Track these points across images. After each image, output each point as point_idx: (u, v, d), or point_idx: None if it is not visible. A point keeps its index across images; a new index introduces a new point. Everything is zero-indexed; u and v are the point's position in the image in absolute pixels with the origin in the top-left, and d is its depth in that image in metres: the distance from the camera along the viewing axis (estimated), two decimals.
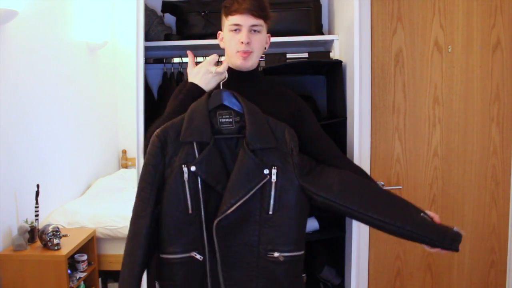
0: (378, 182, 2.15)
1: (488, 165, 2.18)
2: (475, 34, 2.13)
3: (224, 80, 1.33)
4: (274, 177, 1.26)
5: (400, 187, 2.18)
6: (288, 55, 2.07)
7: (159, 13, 2.11)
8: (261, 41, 1.39)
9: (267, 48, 1.46)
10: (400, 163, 2.18)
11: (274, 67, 1.97)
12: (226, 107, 1.30)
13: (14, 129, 2.61)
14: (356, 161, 1.81)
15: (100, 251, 2.94)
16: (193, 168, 1.23)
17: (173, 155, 1.26)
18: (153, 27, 2.03)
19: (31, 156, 2.80)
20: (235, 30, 1.35)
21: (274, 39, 1.96)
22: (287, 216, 1.28)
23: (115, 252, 2.95)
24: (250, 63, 1.38)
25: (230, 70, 1.42)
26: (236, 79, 1.42)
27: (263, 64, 2.08)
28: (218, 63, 1.38)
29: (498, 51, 2.13)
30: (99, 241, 2.93)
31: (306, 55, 2.07)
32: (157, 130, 1.27)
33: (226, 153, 1.29)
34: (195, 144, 1.25)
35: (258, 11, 1.33)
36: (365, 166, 2.14)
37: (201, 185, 1.25)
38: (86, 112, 3.78)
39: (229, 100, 1.31)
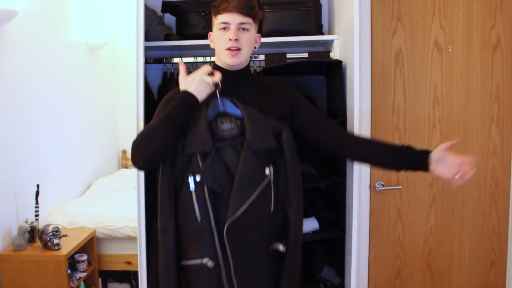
0: (378, 182, 2.17)
1: (488, 165, 2.18)
2: (475, 34, 2.13)
3: (219, 89, 1.33)
4: (272, 176, 1.31)
5: (400, 187, 2.18)
6: (288, 55, 2.07)
7: (159, 13, 2.11)
8: (250, 39, 1.39)
9: (257, 47, 1.46)
10: None
11: (274, 67, 1.98)
12: (226, 114, 1.33)
13: (14, 129, 2.61)
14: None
15: (100, 251, 2.94)
16: (198, 178, 1.28)
17: (181, 167, 1.32)
18: (153, 27, 2.03)
19: (31, 156, 2.81)
20: (224, 28, 1.37)
21: (274, 39, 1.98)
22: (282, 210, 1.36)
23: (115, 252, 2.95)
24: (239, 60, 1.39)
25: (220, 69, 1.44)
26: (226, 79, 1.42)
27: (263, 64, 2.08)
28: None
29: (498, 51, 2.13)
30: (99, 241, 2.93)
31: (306, 55, 2.07)
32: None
33: (232, 158, 1.31)
34: (198, 155, 1.29)
35: (246, 10, 1.35)
36: (365, 166, 2.14)
37: (208, 193, 1.28)
38: (86, 112, 3.78)
39: (228, 106, 1.34)
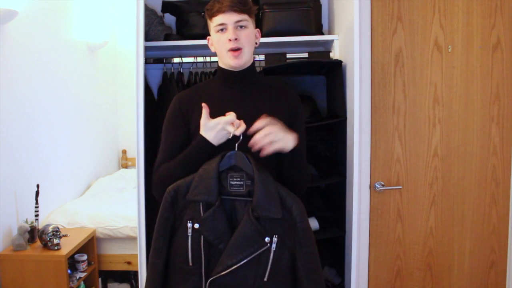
0: (378, 182, 2.17)
1: (488, 165, 2.18)
2: (475, 34, 2.13)
3: (239, 142, 1.29)
4: (274, 246, 1.26)
5: (400, 187, 2.18)
6: (288, 55, 2.07)
7: (159, 13, 2.11)
8: (249, 36, 1.37)
9: (258, 43, 1.44)
10: (400, 163, 2.18)
11: (274, 67, 1.98)
12: (238, 169, 1.29)
13: (14, 129, 2.61)
14: (356, 161, 1.81)
15: (100, 251, 2.94)
16: (196, 226, 1.26)
17: (182, 208, 1.30)
18: (153, 27, 2.03)
19: (31, 156, 2.81)
20: (221, 30, 1.35)
21: (274, 39, 1.98)
22: (280, 282, 1.29)
23: (115, 252, 2.95)
24: (243, 61, 1.37)
25: (224, 71, 1.42)
26: (231, 80, 1.41)
27: (263, 64, 2.08)
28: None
29: (498, 51, 2.13)
30: (99, 241, 2.93)
31: (306, 55, 2.08)
32: (169, 187, 1.30)
33: (234, 213, 1.29)
34: (201, 203, 1.27)
35: (240, 6, 1.33)
36: (365, 166, 2.14)
37: (203, 241, 1.27)
38: (86, 112, 3.78)
39: (242, 162, 1.29)
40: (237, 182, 1.29)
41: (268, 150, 1.25)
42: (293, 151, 1.32)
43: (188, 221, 1.27)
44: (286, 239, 1.28)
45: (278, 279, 1.28)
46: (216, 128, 1.29)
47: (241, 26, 1.34)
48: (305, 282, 1.29)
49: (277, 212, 1.24)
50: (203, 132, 1.31)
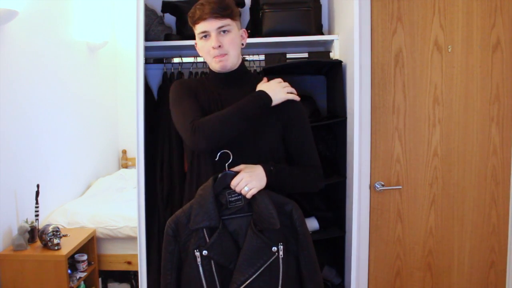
0: (378, 182, 2.16)
1: (488, 165, 2.18)
2: (475, 34, 2.13)
3: (229, 161, 1.31)
4: (281, 253, 1.28)
5: (400, 187, 2.18)
6: (288, 55, 2.07)
7: (159, 13, 2.11)
8: (233, 40, 1.37)
9: (244, 44, 1.44)
10: (400, 163, 2.18)
11: (274, 67, 1.98)
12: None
13: (14, 129, 2.61)
14: (356, 161, 1.81)
15: (100, 251, 2.94)
16: (205, 252, 1.27)
17: (186, 240, 1.31)
18: (153, 27, 2.03)
19: (31, 156, 2.80)
20: (205, 36, 1.36)
21: (274, 39, 1.98)
22: (292, 287, 1.32)
23: (115, 252, 2.95)
24: (230, 65, 1.38)
25: (214, 73, 1.43)
26: (222, 81, 1.42)
27: (263, 64, 2.08)
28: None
29: (498, 51, 2.13)
30: (99, 241, 2.93)
31: (306, 55, 2.08)
32: (169, 220, 1.31)
33: (238, 230, 1.30)
34: (204, 229, 1.28)
35: (221, 12, 1.33)
36: (365, 166, 2.14)
37: (214, 266, 1.28)
38: (86, 112, 3.78)
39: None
40: (236, 197, 1.31)
41: (250, 194, 1.27)
42: (301, 150, 1.43)
43: (195, 250, 1.28)
44: (290, 245, 1.32)
45: (290, 285, 1.31)
46: (275, 87, 1.35)
47: (224, 31, 1.35)
48: (307, 283, 1.33)
49: (276, 223, 1.25)
50: (260, 88, 1.37)
